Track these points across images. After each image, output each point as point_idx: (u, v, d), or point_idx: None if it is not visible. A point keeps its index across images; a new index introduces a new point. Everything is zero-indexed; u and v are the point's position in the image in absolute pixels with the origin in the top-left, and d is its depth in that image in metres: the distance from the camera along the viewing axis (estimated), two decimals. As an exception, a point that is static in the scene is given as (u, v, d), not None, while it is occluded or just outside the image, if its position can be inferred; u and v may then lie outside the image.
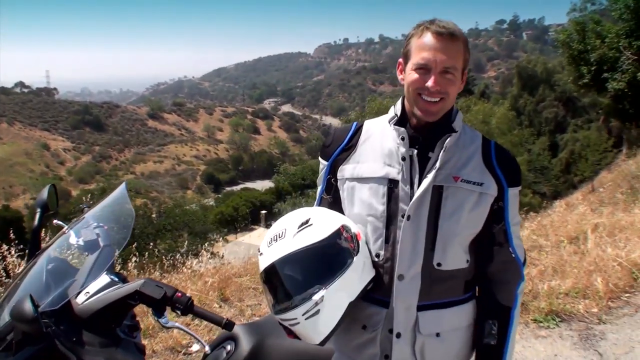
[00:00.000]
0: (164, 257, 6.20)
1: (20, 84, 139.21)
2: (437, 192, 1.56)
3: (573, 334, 3.95)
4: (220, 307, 4.51)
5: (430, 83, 1.50)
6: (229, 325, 1.51)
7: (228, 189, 74.54)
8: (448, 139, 1.57)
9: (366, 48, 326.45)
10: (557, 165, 29.84)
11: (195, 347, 3.74)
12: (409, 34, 1.58)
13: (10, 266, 4.47)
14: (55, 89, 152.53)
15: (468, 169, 1.59)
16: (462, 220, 1.56)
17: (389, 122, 1.66)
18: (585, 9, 18.78)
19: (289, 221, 1.58)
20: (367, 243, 1.62)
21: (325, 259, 1.52)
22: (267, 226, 37.36)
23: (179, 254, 6.21)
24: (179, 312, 1.49)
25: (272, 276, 1.54)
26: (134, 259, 5.18)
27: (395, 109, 1.67)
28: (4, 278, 4.30)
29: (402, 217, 1.56)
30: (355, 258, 1.54)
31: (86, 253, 1.70)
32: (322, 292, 1.48)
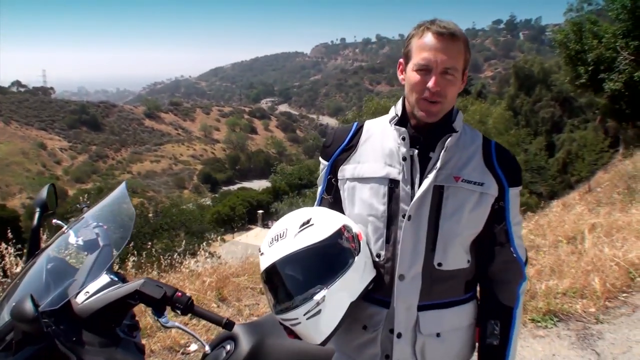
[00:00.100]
0: (161, 256, 6.20)
1: (17, 83, 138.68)
2: (437, 192, 1.56)
3: (571, 334, 3.96)
4: (218, 306, 4.50)
5: (430, 83, 1.49)
6: (229, 324, 1.51)
7: (225, 188, 74.52)
8: (449, 139, 1.56)
9: (363, 48, 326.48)
10: (554, 165, 29.86)
11: (194, 346, 3.73)
12: (410, 34, 1.58)
13: (8, 265, 4.46)
14: (51, 88, 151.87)
15: (469, 169, 1.58)
16: (462, 220, 1.56)
17: (390, 122, 1.66)
18: (582, 9, 18.84)
19: (290, 221, 1.58)
20: (367, 243, 1.62)
21: (327, 259, 1.51)
22: (264, 226, 37.43)
23: (176, 254, 6.20)
24: (179, 311, 1.48)
25: (273, 276, 1.54)
26: (132, 258, 5.17)
27: (396, 109, 1.66)
28: (1, 277, 4.29)
29: (403, 217, 1.56)
30: (356, 258, 1.54)
31: (86, 253, 1.70)
32: (323, 292, 1.48)
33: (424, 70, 1.50)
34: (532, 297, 4.37)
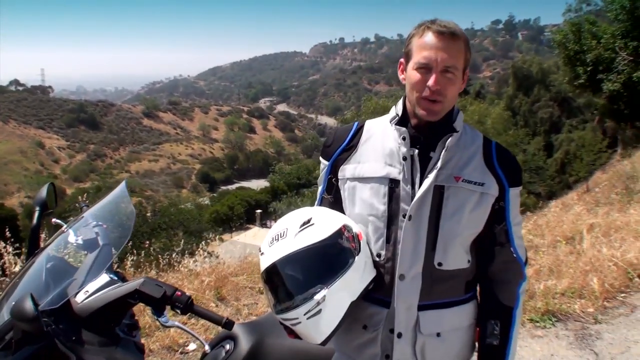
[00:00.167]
0: (159, 256, 6.19)
1: (15, 82, 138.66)
2: (438, 192, 1.56)
3: (569, 334, 3.96)
4: (217, 306, 4.50)
5: (431, 82, 1.49)
6: (228, 324, 1.51)
7: (223, 188, 74.54)
8: (449, 139, 1.56)
9: (362, 47, 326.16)
10: (552, 166, 29.88)
11: (192, 346, 3.73)
12: (410, 33, 1.58)
13: (7, 264, 4.45)
14: (50, 87, 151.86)
15: (469, 169, 1.58)
16: (463, 220, 1.56)
17: (390, 121, 1.66)
18: (581, 9, 18.89)
19: (290, 221, 1.58)
20: (368, 243, 1.62)
21: (327, 259, 1.51)
22: (263, 225, 37.42)
23: (174, 253, 6.19)
24: (178, 311, 1.48)
25: (273, 276, 1.53)
26: (130, 257, 5.16)
27: (397, 109, 1.66)
28: (0, 276, 4.28)
29: (403, 217, 1.56)
30: (356, 258, 1.53)
31: (85, 252, 1.70)
32: (323, 292, 1.48)
33: (425, 68, 1.51)
34: (531, 297, 4.37)
